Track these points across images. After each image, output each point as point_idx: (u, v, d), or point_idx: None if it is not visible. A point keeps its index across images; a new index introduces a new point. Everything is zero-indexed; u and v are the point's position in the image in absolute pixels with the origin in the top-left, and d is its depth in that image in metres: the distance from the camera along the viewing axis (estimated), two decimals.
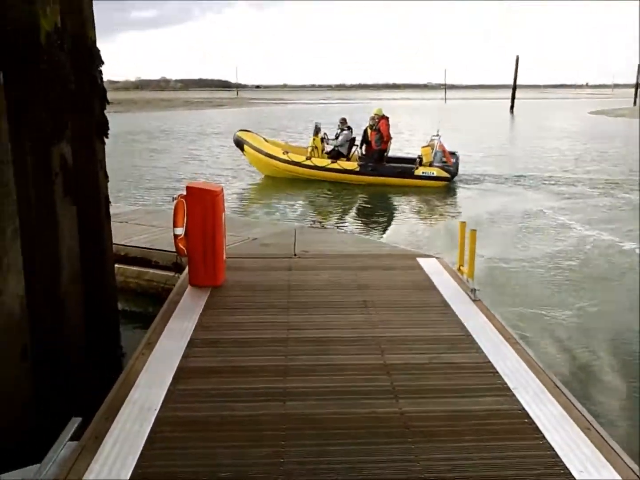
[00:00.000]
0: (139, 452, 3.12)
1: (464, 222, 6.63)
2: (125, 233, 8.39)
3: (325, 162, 17.26)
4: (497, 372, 4.15)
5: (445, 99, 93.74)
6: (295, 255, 7.20)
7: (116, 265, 6.92)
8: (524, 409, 3.65)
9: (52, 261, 4.89)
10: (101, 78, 6.09)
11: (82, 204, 5.68)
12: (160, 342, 4.56)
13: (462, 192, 16.86)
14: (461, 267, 6.64)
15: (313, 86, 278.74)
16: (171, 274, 7.36)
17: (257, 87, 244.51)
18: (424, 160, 16.90)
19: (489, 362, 4.31)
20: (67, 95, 5.11)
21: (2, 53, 3.97)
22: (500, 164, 22.06)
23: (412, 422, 3.50)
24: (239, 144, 18.86)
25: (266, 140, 18.76)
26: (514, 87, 62.20)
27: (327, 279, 6.23)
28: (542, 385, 3.96)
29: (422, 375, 4.10)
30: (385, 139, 17.03)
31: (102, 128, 6.06)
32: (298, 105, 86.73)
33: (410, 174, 16.75)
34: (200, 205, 5.76)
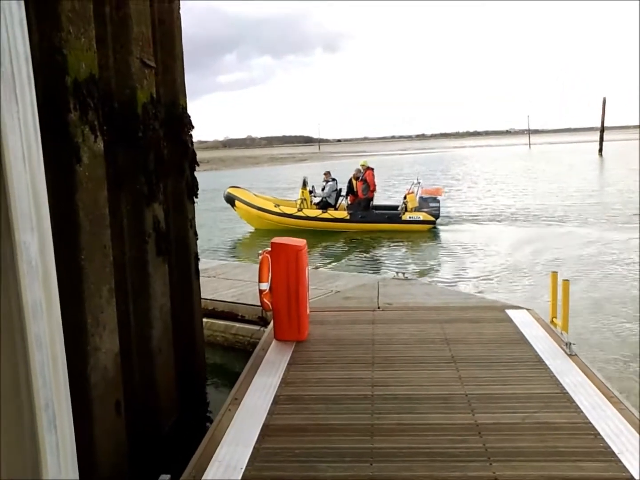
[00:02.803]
0: None
1: (556, 272, 6.36)
2: (213, 287, 8.64)
3: (316, 212, 18.35)
4: (598, 435, 3.87)
5: (530, 144, 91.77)
6: (378, 308, 7.14)
7: (204, 320, 7.14)
8: (633, 477, 3.36)
9: (145, 319, 5.10)
10: (191, 142, 6.45)
11: (173, 263, 5.95)
12: (246, 398, 4.59)
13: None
14: (554, 320, 6.34)
15: (393, 137, 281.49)
16: (257, 327, 7.48)
17: (339, 140, 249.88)
18: (409, 206, 17.90)
19: (589, 422, 4.03)
20: (161, 160, 5.44)
21: (104, 124, 4.28)
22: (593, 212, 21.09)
23: None
24: (230, 199, 19.76)
25: (256, 196, 19.70)
26: (602, 129, 60.09)
27: (411, 333, 6.10)
28: None
29: (516, 437, 3.88)
30: (371, 188, 18.14)
31: (192, 189, 6.37)
32: (379, 156, 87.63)
33: (397, 220, 17.83)
34: (284, 260, 5.86)
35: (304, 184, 18.93)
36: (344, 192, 18.70)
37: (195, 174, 6.49)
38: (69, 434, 2.69)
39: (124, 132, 4.91)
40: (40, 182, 2.57)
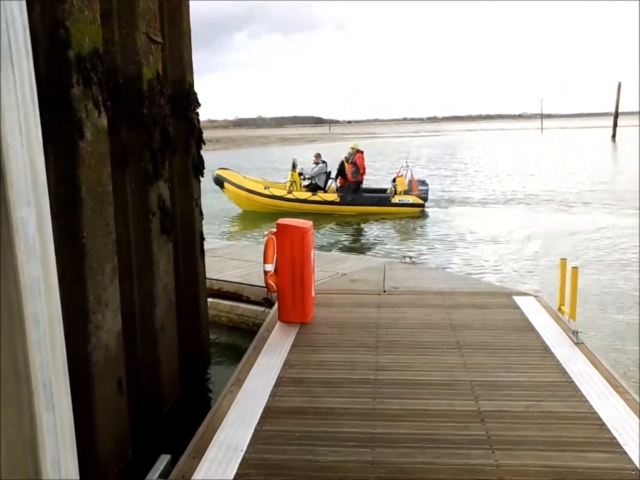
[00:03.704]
0: None
1: (565, 259, 6.27)
2: (219, 267, 8.61)
3: (306, 194, 18.23)
4: (604, 425, 3.81)
5: (542, 128, 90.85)
6: (384, 291, 7.08)
7: (209, 300, 7.11)
8: (637, 468, 3.31)
9: (149, 297, 5.06)
10: (198, 120, 6.37)
11: (178, 242, 5.90)
12: (248, 379, 4.57)
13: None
14: (562, 307, 6.26)
15: (404, 119, 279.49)
16: (262, 309, 7.45)
17: (349, 122, 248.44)
18: (399, 189, 18.02)
19: (595, 412, 3.97)
20: (167, 137, 5.36)
21: (108, 99, 4.21)
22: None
23: (509, 477, 3.26)
24: (219, 181, 19.60)
25: (245, 178, 19.58)
26: (616, 115, 59.23)
27: (417, 318, 6.05)
28: None
29: (519, 425, 3.83)
30: (361, 171, 18.16)
31: (198, 168, 6.30)
32: (389, 138, 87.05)
33: (387, 202, 17.92)
34: (289, 242, 5.81)
35: (294, 166, 18.92)
36: (333, 175, 18.72)
37: (205, 153, 6.42)
38: (67, 414, 2.66)
39: (129, 109, 4.84)
40: (38, 158, 2.50)
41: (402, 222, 17.23)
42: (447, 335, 5.54)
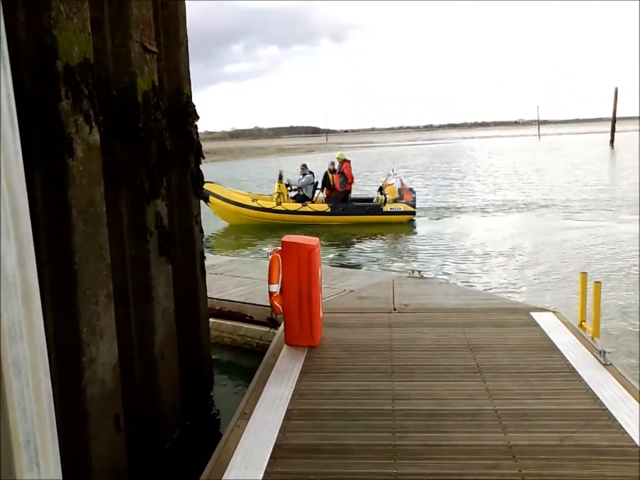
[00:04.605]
0: None
1: (585, 273, 5.96)
2: (221, 285, 8.29)
3: (296, 206, 17.94)
4: None
5: (539, 135, 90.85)
6: (395, 309, 6.74)
7: (211, 320, 6.78)
8: None
9: (147, 324, 4.73)
10: (197, 133, 6.06)
11: (177, 262, 5.58)
12: (256, 412, 4.22)
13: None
14: (583, 323, 5.95)
15: (401, 128, 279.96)
16: (266, 329, 7.12)
17: (346, 131, 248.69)
18: (389, 197, 17.80)
19: (636, 446, 3.63)
20: (164, 152, 5.05)
21: (100, 113, 3.90)
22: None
23: None
24: (203, 195, 19.02)
25: (231, 191, 19.21)
26: (614, 120, 59.15)
27: (432, 338, 5.71)
28: None
29: (555, 462, 3.49)
30: (349, 181, 17.96)
31: (197, 183, 5.99)
32: (386, 147, 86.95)
33: (379, 211, 17.70)
34: (295, 261, 5.47)
35: (280, 177, 18.66)
36: (319, 186, 18.47)
37: (202, 165, 6.11)
38: (54, 472, 2.34)
39: (123, 123, 4.53)
40: (17, 181, 2.18)
41: (400, 233, 16.94)
42: (465, 357, 5.20)
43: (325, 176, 18.18)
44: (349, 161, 18.14)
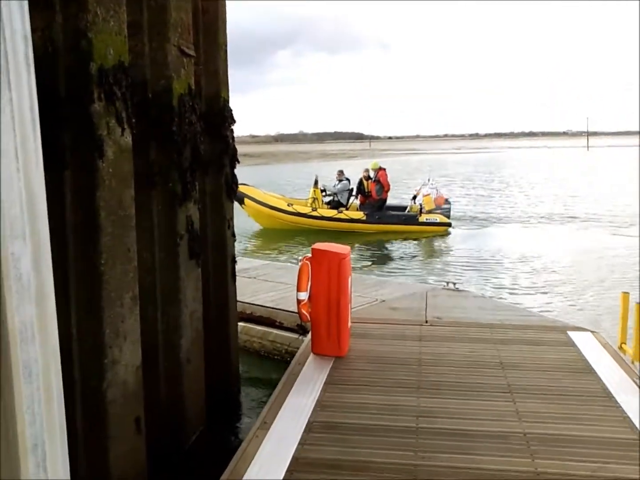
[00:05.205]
0: None
1: (627, 293, 5.72)
2: (253, 289, 8.28)
3: (332, 212, 17.76)
4: None
5: (588, 146, 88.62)
6: (426, 322, 6.60)
7: (240, 324, 6.77)
8: None
9: (174, 326, 4.73)
10: (233, 137, 6.06)
11: (208, 266, 5.58)
12: (276, 422, 4.16)
13: None
14: (623, 345, 5.70)
15: (446, 135, 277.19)
16: (295, 335, 7.08)
17: (390, 138, 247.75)
18: (426, 208, 17.57)
19: None
20: (198, 156, 5.06)
21: (135, 116, 3.92)
22: None
23: None
24: (239, 197, 19.11)
25: (266, 194, 19.05)
26: None
27: (462, 354, 5.55)
28: None
29: None
30: (385, 189, 17.75)
31: (231, 187, 5.99)
32: (430, 155, 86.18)
33: (414, 221, 17.52)
34: (325, 269, 5.40)
35: (315, 182, 18.53)
36: (354, 192, 18.34)
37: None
38: (62, 474, 2.32)
39: (158, 126, 4.55)
40: (37, 184, 2.18)
41: (436, 243, 16.70)
42: (496, 375, 5.03)
43: (360, 183, 18.08)
44: (385, 169, 17.97)
